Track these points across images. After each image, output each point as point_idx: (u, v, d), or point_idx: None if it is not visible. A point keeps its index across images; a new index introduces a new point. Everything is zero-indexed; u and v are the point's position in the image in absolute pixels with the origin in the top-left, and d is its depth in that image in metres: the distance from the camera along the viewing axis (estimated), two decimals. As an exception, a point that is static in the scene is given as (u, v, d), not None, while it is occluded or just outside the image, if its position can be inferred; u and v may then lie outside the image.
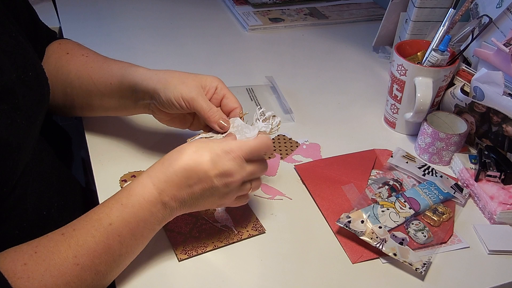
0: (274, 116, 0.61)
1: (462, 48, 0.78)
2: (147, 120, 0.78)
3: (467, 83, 0.76)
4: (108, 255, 0.50)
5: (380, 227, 0.61)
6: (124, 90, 0.67)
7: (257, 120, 0.60)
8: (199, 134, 0.63)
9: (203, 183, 0.53)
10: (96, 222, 0.51)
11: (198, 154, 0.53)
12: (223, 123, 0.61)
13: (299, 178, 0.71)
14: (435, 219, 0.64)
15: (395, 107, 0.81)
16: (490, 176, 0.69)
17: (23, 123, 0.55)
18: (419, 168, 0.72)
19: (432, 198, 0.66)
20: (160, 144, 0.75)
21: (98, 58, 0.71)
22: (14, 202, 0.55)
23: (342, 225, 0.61)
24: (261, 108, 0.61)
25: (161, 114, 0.66)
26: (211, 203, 0.56)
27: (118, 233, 0.51)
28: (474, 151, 0.77)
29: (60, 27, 1.10)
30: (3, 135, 0.51)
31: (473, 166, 0.72)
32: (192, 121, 0.68)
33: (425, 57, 0.76)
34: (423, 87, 0.74)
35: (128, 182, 0.68)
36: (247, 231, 0.62)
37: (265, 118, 0.61)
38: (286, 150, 0.77)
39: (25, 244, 0.50)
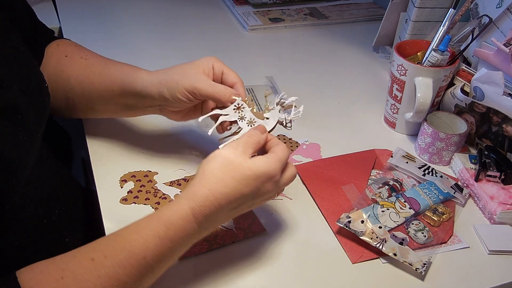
0: (294, 106, 0.59)
1: (462, 48, 0.78)
2: (147, 119, 0.78)
3: (467, 83, 0.76)
4: (138, 285, 0.49)
5: (380, 227, 0.61)
6: (128, 97, 0.66)
7: (276, 106, 0.59)
8: (231, 136, 0.60)
9: (243, 206, 0.53)
10: (129, 254, 0.47)
11: (242, 185, 0.51)
12: (234, 98, 0.60)
13: (299, 178, 0.71)
14: (435, 219, 0.64)
15: (395, 107, 0.81)
16: (490, 176, 0.69)
17: (25, 139, 0.53)
18: (419, 168, 0.72)
19: (432, 198, 0.66)
20: (160, 143, 0.75)
21: (97, 61, 0.70)
22: (14, 212, 0.54)
23: (342, 225, 0.61)
24: (281, 95, 0.59)
25: (172, 114, 0.67)
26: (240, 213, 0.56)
27: (151, 266, 0.49)
28: (474, 151, 0.77)
29: (60, 27, 1.10)
30: (6, 154, 0.49)
31: (473, 166, 0.72)
32: (201, 107, 0.68)
33: (425, 57, 0.76)
34: (423, 87, 0.74)
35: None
36: (247, 231, 0.62)
37: (285, 105, 0.59)
38: (286, 150, 0.77)
39: (52, 264, 0.47)
